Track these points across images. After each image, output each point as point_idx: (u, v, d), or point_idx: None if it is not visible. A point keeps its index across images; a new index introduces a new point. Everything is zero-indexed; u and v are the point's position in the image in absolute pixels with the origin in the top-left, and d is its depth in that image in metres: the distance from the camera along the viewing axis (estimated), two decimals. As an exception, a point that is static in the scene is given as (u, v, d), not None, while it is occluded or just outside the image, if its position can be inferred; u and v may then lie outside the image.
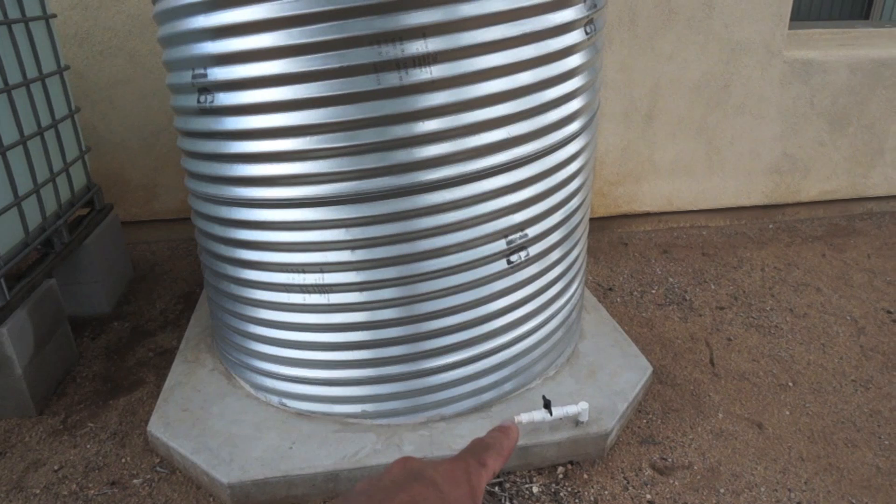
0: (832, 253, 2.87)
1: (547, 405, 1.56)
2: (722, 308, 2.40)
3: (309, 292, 1.48)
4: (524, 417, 1.54)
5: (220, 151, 1.46)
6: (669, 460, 1.65)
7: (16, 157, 1.83)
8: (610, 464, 1.63)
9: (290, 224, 1.42)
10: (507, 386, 1.71)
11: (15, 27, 1.87)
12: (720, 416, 1.81)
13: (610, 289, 2.56)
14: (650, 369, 1.85)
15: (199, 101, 1.43)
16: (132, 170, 2.93)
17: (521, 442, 1.56)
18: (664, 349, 2.13)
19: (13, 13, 1.87)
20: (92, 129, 2.81)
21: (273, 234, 1.45)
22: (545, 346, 1.77)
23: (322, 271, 1.45)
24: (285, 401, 1.66)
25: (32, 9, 2.00)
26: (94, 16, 2.64)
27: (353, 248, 1.42)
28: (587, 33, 1.56)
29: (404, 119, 1.34)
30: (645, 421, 1.78)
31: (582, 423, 1.60)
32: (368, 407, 1.61)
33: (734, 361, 2.07)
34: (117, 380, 1.98)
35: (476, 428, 1.60)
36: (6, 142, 1.77)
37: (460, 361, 1.61)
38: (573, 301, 1.87)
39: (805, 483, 1.58)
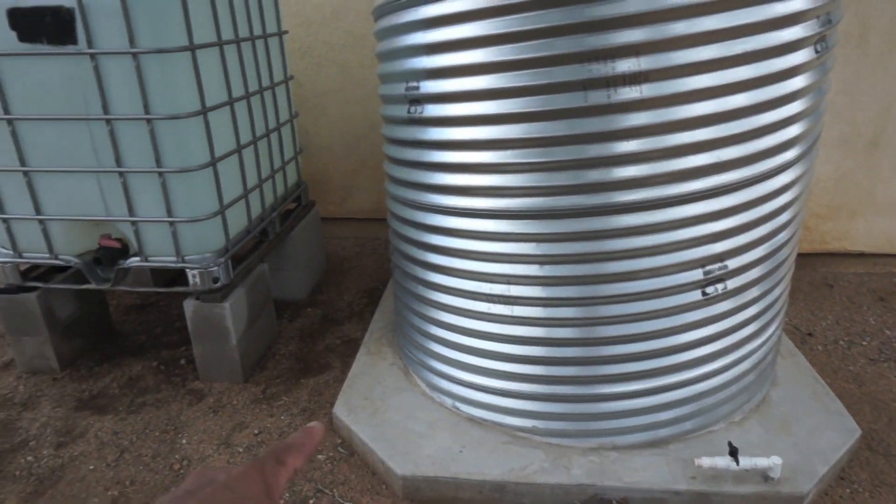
0: None
1: (733, 453, 1.44)
2: (954, 373, 2.04)
3: (494, 302, 1.51)
4: (706, 462, 1.44)
5: (423, 160, 1.55)
6: (877, 540, 1.44)
7: (248, 155, 2.09)
8: (801, 530, 1.46)
9: (483, 234, 1.47)
10: (688, 425, 1.61)
11: (257, 42, 2.14)
12: (947, 499, 1.54)
13: (809, 334, 2.30)
14: (858, 432, 1.63)
15: (409, 112, 1.53)
16: (334, 171, 3.22)
17: (700, 488, 1.45)
18: (876, 411, 1.86)
19: (257, 30, 2.14)
20: (304, 133, 3.12)
21: (465, 243, 1.50)
22: (733, 388, 1.64)
23: (509, 283, 1.47)
24: (458, 404, 1.71)
25: (271, 26, 2.28)
26: (316, 31, 2.94)
27: (541, 263, 1.43)
28: (817, 52, 1.42)
29: (605, 138, 1.32)
30: (849, 491, 1.57)
31: (772, 479, 1.45)
32: (539, 423, 1.60)
33: (969, 438, 1.75)
34: (308, 361, 2.17)
35: (649, 464, 1.52)
36: (242, 141, 2.03)
37: (638, 391, 1.55)
38: (769, 343, 1.71)
39: None
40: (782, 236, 1.57)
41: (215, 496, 0.39)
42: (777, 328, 1.75)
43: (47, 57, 1.62)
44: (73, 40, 1.57)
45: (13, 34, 1.57)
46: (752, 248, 1.49)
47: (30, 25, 1.55)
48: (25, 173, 1.77)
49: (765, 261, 1.53)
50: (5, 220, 1.85)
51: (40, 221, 1.84)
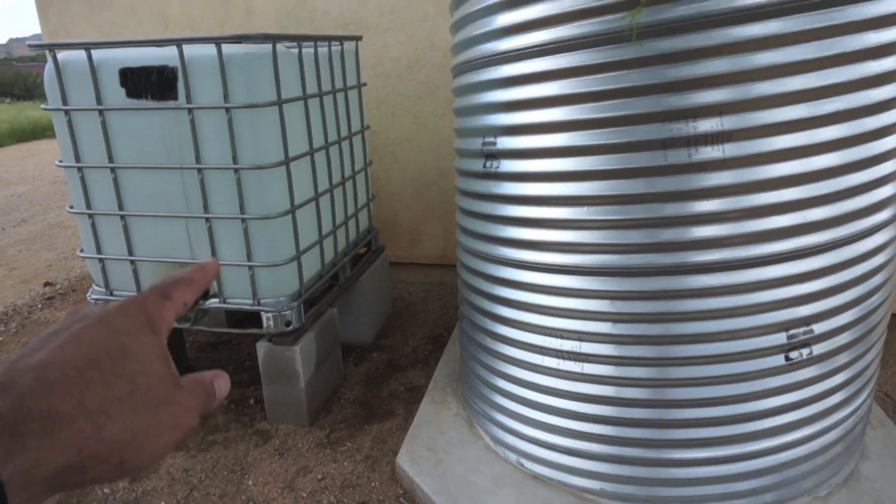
0: None
1: (820, 533, 1.34)
2: None
3: (564, 358, 1.48)
4: (790, 540, 1.34)
5: (496, 213, 1.56)
6: None
7: (324, 203, 2.16)
8: None
9: (555, 289, 1.46)
10: (767, 497, 1.52)
11: (338, 95, 2.24)
12: None
13: (902, 403, 2.14)
14: (963, 517, 1.49)
15: (484, 166, 1.56)
16: (403, 217, 3.28)
17: (783, 568, 1.36)
18: (982, 494, 1.70)
19: (339, 83, 2.25)
20: (376, 179, 3.21)
21: (537, 297, 1.50)
22: (818, 461, 1.54)
23: (580, 339, 1.45)
24: (523, 461, 1.68)
25: (351, 79, 2.39)
26: (393, 83, 3.05)
27: (614, 321, 1.40)
28: (914, 118, 1.37)
29: (684, 197, 1.30)
30: (953, 582, 1.43)
31: (865, 564, 1.34)
32: (608, 486, 1.54)
33: None
34: (373, 407, 2.18)
35: (727, 538, 1.44)
36: (320, 189, 2.11)
37: (712, 459, 1.48)
38: (859, 413, 1.60)
39: None
40: (874, 299, 1.49)
41: (88, 331, 0.36)
42: (868, 396, 1.64)
43: (149, 111, 1.75)
44: (174, 96, 1.70)
45: (122, 91, 1.71)
46: (840, 312, 1.42)
47: (137, 83, 1.69)
48: (122, 217, 1.89)
49: (855, 325, 1.46)
50: (101, 260, 1.98)
51: (132, 262, 1.95)
